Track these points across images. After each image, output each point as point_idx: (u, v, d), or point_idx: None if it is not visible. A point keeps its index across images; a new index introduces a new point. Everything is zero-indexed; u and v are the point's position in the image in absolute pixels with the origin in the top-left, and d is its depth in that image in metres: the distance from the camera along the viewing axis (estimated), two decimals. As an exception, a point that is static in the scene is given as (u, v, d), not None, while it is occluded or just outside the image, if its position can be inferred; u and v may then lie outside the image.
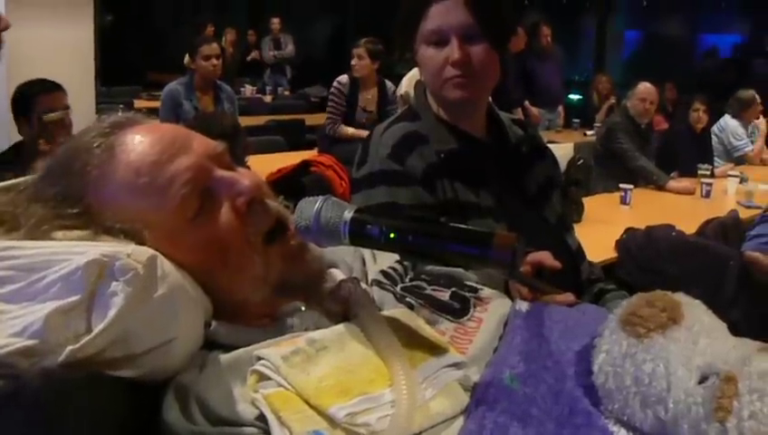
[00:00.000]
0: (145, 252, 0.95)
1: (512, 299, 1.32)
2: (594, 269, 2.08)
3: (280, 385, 0.92)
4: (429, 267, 1.33)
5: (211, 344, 1.04)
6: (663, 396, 0.98)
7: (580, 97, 11.88)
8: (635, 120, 5.97)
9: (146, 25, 14.66)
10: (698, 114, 6.76)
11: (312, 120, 8.90)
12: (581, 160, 5.18)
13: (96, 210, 1.05)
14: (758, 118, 7.53)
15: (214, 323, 1.06)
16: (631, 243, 3.92)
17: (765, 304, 3.67)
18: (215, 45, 5.86)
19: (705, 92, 7.23)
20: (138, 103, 8.94)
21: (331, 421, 0.88)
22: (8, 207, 1.07)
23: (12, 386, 0.81)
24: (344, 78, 6.61)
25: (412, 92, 2.10)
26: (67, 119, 3.55)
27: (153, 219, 1.05)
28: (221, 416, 0.91)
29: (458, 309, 1.22)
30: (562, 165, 4.19)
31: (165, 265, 0.97)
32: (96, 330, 0.88)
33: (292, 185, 4.72)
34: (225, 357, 0.99)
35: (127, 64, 12.02)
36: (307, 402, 0.90)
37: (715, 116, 7.22)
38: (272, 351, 0.96)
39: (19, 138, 3.71)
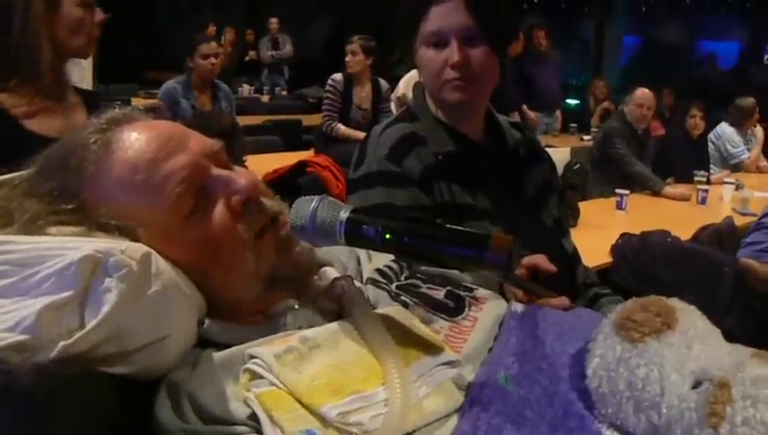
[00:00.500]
0: (139, 249, 0.95)
1: (507, 301, 1.32)
2: (589, 274, 2.08)
3: (272, 384, 0.91)
4: (425, 267, 1.33)
5: (204, 342, 1.04)
6: (656, 401, 0.98)
7: (578, 102, 11.88)
8: (632, 126, 5.97)
9: (144, 24, 14.63)
10: (695, 121, 6.77)
11: (309, 120, 8.89)
12: (578, 165, 5.18)
13: (91, 206, 1.05)
14: (755, 126, 7.54)
15: (207, 321, 1.06)
16: (627, 248, 3.93)
17: (760, 310, 3.68)
18: (214, 44, 5.86)
19: (703, 99, 7.24)
20: (135, 101, 8.93)
21: (324, 420, 0.88)
22: (2, 202, 1.07)
23: (3, 381, 0.80)
24: (338, 76, 6.62)
25: (409, 94, 2.10)
26: None
27: (148, 217, 1.04)
28: (213, 414, 0.91)
29: (453, 308, 1.22)
30: (559, 169, 4.19)
31: (159, 262, 0.97)
32: (89, 326, 0.88)
33: (288, 185, 4.71)
34: (218, 355, 0.99)
35: (125, 62, 12.01)
36: (299, 401, 0.90)
37: (711, 123, 7.23)
38: (264, 349, 0.95)
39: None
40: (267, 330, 1.05)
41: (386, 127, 1.93)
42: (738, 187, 5.76)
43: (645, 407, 0.99)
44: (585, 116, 9.98)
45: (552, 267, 1.57)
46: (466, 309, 1.22)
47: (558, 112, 9.11)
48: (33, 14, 2.30)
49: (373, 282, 1.25)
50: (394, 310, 1.11)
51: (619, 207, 4.94)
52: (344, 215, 1.03)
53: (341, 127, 6.46)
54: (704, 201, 5.42)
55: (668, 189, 5.68)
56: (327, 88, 6.62)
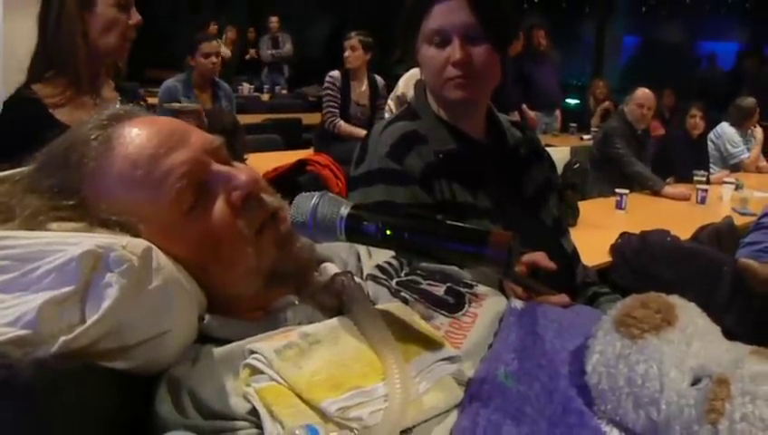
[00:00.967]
0: (140, 244, 0.95)
1: (507, 298, 1.32)
2: (589, 273, 2.08)
3: (272, 379, 0.92)
4: (425, 263, 1.34)
5: (204, 338, 1.04)
6: (656, 397, 0.98)
7: (578, 101, 11.89)
8: (632, 126, 5.97)
9: (145, 22, 14.60)
10: (695, 120, 6.77)
11: (309, 119, 8.88)
12: (578, 164, 5.19)
13: (92, 202, 1.05)
14: (755, 126, 7.54)
15: (207, 317, 1.06)
16: (626, 247, 3.92)
17: (759, 310, 3.68)
18: (215, 43, 5.87)
19: (703, 99, 7.24)
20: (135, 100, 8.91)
21: (324, 415, 0.88)
22: (3, 198, 1.07)
23: (4, 375, 0.80)
24: (336, 73, 6.63)
25: (409, 93, 2.11)
26: None
27: (148, 212, 1.05)
28: (213, 409, 0.91)
29: (453, 304, 1.22)
30: (559, 168, 4.19)
31: (160, 257, 0.97)
32: (90, 321, 0.88)
33: (288, 184, 4.70)
34: (218, 351, 0.99)
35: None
36: (299, 396, 0.90)
37: (711, 123, 7.23)
38: (264, 345, 0.96)
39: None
40: (267, 326, 1.05)
41: (387, 125, 1.94)
42: (738, 186, 5.76)
43: (644, 403, 0.99)
44: (585, 116, 9.98)
45: (551, 265, 1.57)
46: (466, 305, 1.22)
47: (557, 112, 9.12)
48: (66, 12, 2.38)
49: (373, 278, 1.25)
50: (394, 306, 1.11)
51: (619, 206, 4.94)
52: (345, 211, 1.03)
53: (343, 123, 6.47)
54: (703, 201, 5.41)
55: (668, 189, 5.67)
56: (326, 85, 6.62)
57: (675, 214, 5.10)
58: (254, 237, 1.09)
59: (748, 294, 3.71)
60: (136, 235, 1.01)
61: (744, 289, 3.73)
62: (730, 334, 1.09)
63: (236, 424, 0.89)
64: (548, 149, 2.27)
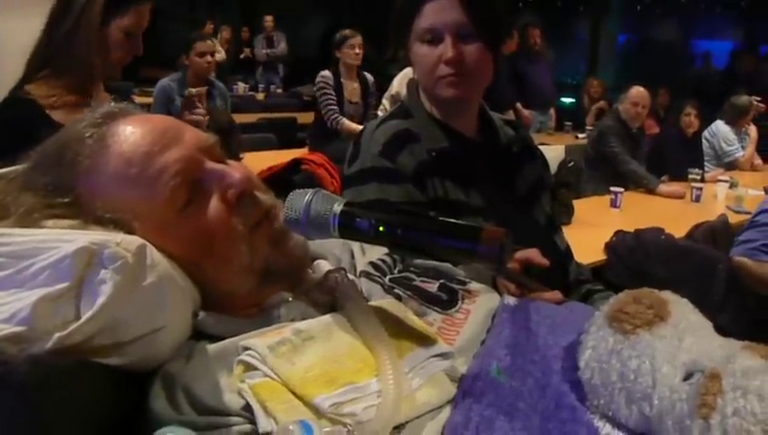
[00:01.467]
0: (134, 241, 0.95)
1: (500, 295, 1.33)
2: (582, 270, 2.09)
3: (266, 375, 0.92)
4: (418, 260, 1.34)
5: (198, 334, 1.05)
6: (648, 392, 0.99)
7: (573, 100, 11.90)
8: (627, 124, 5.98)
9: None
10: (690, 119, 6.77)
11: (304, 118, 8.87)
12: (572, 163, 5.18)
13: (86, 200, 1.05)
14: (749, 124, 7.55)
15: (201, 314, 1.07)
16: (620, 245, 3.93)
17: (753, 308, 3.69)
18: (209, 42, 5.87)
19: (697, 97, 7.25)
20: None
21: (317, 411, 0.89)
22: None
23: (-1, 372, 0.81)
24: (327, 72, 6.64)
25: (403, 92, 2.11)
26: None
27: (143, 210, 1.05)
28: (208, 405, 0.91)
29: (446, 301, 1.22)
30: (553, 167, 4.20)
31: (154, 254, 0.98)
32: (84, 317, 0.88)
33: (283, 183, 4.70)
34: (212, 347, 1.00)
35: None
36: (293, 392, 0.90)
37: (706, 121, 7.24)
38: (258, 341, 0.96)
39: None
40: (261, 322, 1.06)
41: (380, 123, 1.94)
42: (732, 185, 5.77)
43: (637, 398, 0.99)
44: (580, 114, 9.98)
45: (544, 261, 1.57)
46: (459, 302, 1.23)
47: (552, 111, 9.14)
48: (87, 20, 2.40)
49: (366, 275, 1.26)
50: (387, 302, 1.12)
51: (614, 204, 4.94)
52: (338, 208, 1.04)
53: (346, 121, 6.46)
54: (698, 199, 5.42)
55: (663, 187, 5.67)
56: (320, 85, 6.61)
57: (669, 212, 5.10)
58: (248, 235, 1.10)
59: (743, 293, 3.72)
60: (130, 232, 1.02)
61: (738, 287, 3.73)
62: (724, 332, 1.09)
63: (231, 420, 0.90)
64: (543, 147, 2.28)
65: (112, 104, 1.18)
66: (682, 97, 7.72)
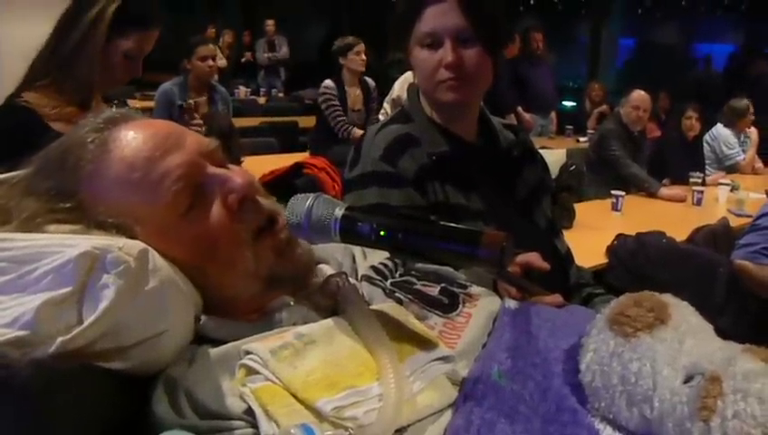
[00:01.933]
0: (137, 245, 0.96)
1: (501, 298, 1.33)
2: (583, 274, 2.09)
3: (268, 379, 0.92)
4: (419, 264, 1.34)
5: (200, 339, 1.05)
6: (649, 395, 0.99)
7: (574, 104, 11.90)
8: (628, 128, 5.97)
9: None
10: (691, 122, 6.77)
11: (306, 122, 8.88)
12: (573, 166, 5.18)
13: (89, 205, 1.06)
14: (750, 127, 7.55)
15: (203, 318, 1.07)
16: (622, 249, 3.93)
17: (754, 311, 3.68)
18: (211, 46, 5.87)
19: (698, 101, 7.25)
20: (132, 103, 8.90)
21: (319, 415, 0.89)
22: (1, 201, 1.08)
23: (2, 376, 0.81)
24: (329, 82, 6.66)
25: (404, 96, 2.11)
26: None
27: (145, 214, 1.05)
28: (210, 410, 0.91)
29: (447, 304, 1.23)
30: (554, 171, 4.20)
31: (156, 258, 0.98)
32: (87, 322, 0.88)
33: (284, 187, 4.71)
34: (214, 351, 1.00)
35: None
36: (295, 396, 0.90)
37: (707, 124, 7.24)
38: (260, 345, 0.96)
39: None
40: (263, 326, 1.06)
41: (380, 128, 1.94)
42: (733, 188, 5.77)
43: (637, 401, 1.00)
44: (581, 118, 9.98)
45: (545, 265, 1.58)
46: (460, 306, 1.23)
47: (553, 114, 9.14)
48: (93, 35, 2.41)
49: (368, 279, 1.26)
50: (388, 306, 1.12)
51: (615, 208, 4.94)
52: (339, 212, 1.04)
53: (357, 131, 6.46)
54: (699, 202, 5.42)
55: (664, 191, 5.67)
56: (325, 96, 6.62)
57: (671, 215, 5.10)
58: (253, 242, 1.10)
59: (744, 296, 3.72)
60: (132, 237, 1.02)
61: (739, 290, 3.73)
62: (725, 336, 1.09)
63: (232, 424, 0.90)
64: (544, 151, 2.29)
65: (114, 109, 1.18)
66: (683, 100, 7.72)
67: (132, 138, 1.09)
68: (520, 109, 8.20)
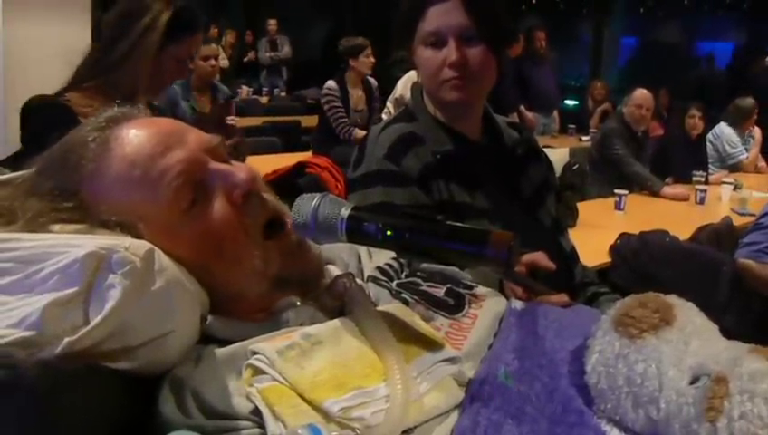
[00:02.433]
0: (143, 245, 0.96)
1: (507, 298, 1.33)
2: (588, 273, 2.09)
3: (275, 379, 0.92)
4: (425, 265, 1.34)
5: (207, 339, 1.05)
6: (655, 396, 0.99)
7: (577, 103, 11.90)
8: (631, 127, 5.96)
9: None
10: (694, 121, 6.78)
11: (308, 121, 8.88)
12: (576, 165, 5.18)
13: (91, 204, 1.05)
14: (753, 126, 7.55)
15: (210, 318, 1.07)
16: (625, 248, 3.93)
17: (758, 310, 3.68)
18: (214, 46, 5.87)
19: (701, 99, 7.25)
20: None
21: (326, 415, 0.89)
22: (5, 201, 1.07)
23: (8, 376, 0.81)
24: (332, 83, 6.67)
25: (407, 95, 2.11)
26: None
27: (147, 212, 1.05)
28: (216, 410, 0.91)
29: (453, 305, 1.23)
30: (557, 170, 4.19)
31: (162, 258, 0.98)
32: (93, 322, 0.88)
33: (287, 186, 4.70)
34: (220, 351, 1.00)
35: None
36: (302, 396, 0.90)
37: (710, 123, 7.23)
38: (267, 345, 0.96)
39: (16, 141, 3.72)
40: (269, 326, 1.06)
41: (384, 127, 1.94)
42: (736, 187, 5.76)
43: (643, 402, 0.99)
44: (584, 117, 9.99)
45: (551, 264, 1.57)
46: (466, 306, 1.23)
47: (555, 113, 9.13)
48: (142, 45, 2.46)
49: (374, 280, 1.26)
50: (395, 307, 1.12)
51: (618, 207, 4.94)
52: (345, 212, 1.04)
53: (359, 132, 6.46)
54: (702, 201, 5.42)
55: (667, 190, 5.67)
56: (327, 98, 6.63)
57: (674, 214, 5.10)
58: (261, 241, 1.10)
59: (747, 295, 3.71)
60: (136, 235, 1.02)
61: (743, 289, 3.73)
62: (729, 335, 1.09)
63: (239, 424, 0.90)
64: (546, 150, 2.28)
65: (116, 108, 1.18)
66: (685, 99, 7.71)
67: (134, 136, 1.08)
68: (522, 108, 8.20)
